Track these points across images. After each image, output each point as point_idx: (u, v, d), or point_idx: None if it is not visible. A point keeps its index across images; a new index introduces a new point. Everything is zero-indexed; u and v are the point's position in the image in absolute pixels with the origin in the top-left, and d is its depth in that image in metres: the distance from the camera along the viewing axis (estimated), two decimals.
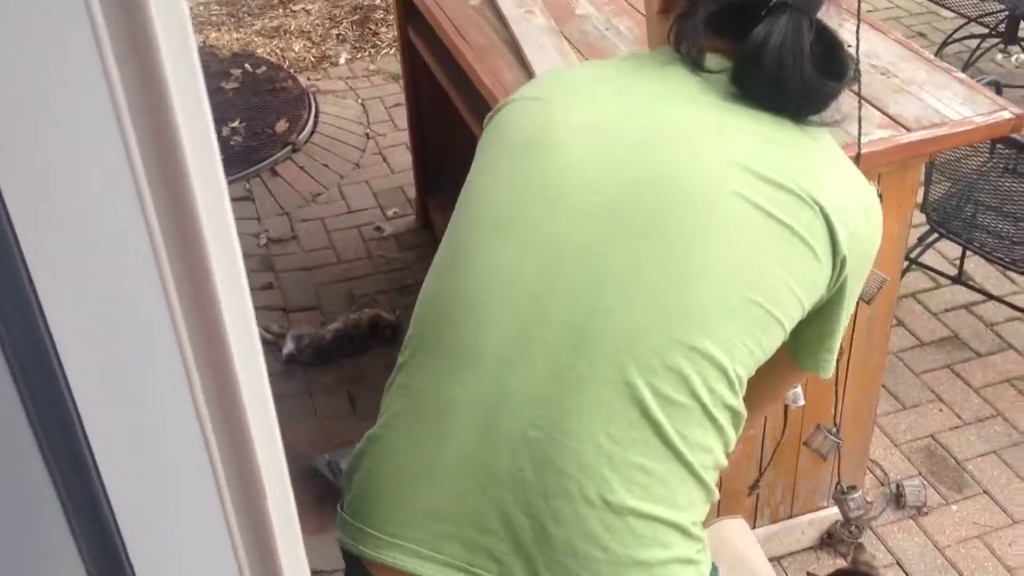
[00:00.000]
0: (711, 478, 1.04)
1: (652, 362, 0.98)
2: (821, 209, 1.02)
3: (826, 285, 1.06)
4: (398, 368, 1.11)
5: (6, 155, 0.44)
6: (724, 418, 1.03)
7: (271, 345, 2.87)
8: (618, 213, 1.01)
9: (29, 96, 0.44)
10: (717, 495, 1.07)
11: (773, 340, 1.04)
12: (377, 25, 4.68)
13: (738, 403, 1.04)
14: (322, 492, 2.36)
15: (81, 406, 0.50)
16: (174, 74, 0.45)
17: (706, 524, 1.09)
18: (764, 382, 1.09)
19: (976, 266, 3.08)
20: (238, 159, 3.65)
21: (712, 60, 1.06)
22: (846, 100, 1.13)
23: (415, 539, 1.03)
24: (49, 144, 0.45)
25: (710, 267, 0.99)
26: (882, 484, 2.46)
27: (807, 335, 1.15)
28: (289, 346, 2.79)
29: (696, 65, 1.05)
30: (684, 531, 1.03)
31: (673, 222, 1.00)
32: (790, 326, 1.05)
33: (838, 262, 1.05)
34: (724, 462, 1.06)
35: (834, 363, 1.20)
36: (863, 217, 1.07)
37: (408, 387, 1.08)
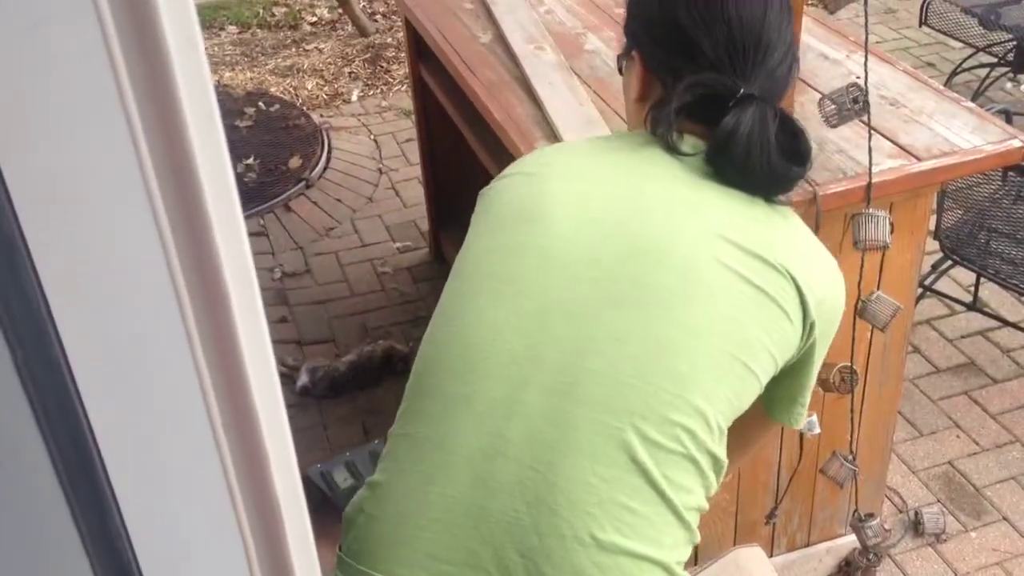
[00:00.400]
0: (693, 520, 1.11)
1: (640, 409, 1.06)
2: (793, 279, 1.12)
3: (797, 346, 1.16)
4: (398, 417, 1.18)
5: (33, 203, 0.45)
6: (706, 463, 1.10)
7: (285, 378, 2.88)
8: (607, 279, 1.09)
9: (50, 135, 0.45)
10: (699, 537, 1.13)
11: (750, 393, 1.13)
12: (388, 63, 4.74)
13: (719, 451, 1.12)
14: (316, 503, 2.39)
15: (100, 438, 0.51)
16: (191, 109, 0.46)
17: (723, 552, 1.12)
18: (740, 433, 1.18)
19: (991, 292, 3.07)
20: (252, 195, 3.69)
21: (688, 141, 1.16)
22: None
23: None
24: (71, 178, 0.46)
25: (695, 325, 1.08)
26: (900, 511, 2.45)
27: (780, 393, 1.27)
28: (303, 379, 2.81)
29: (672, 148, 1.15)
30: (669, 570, 1.09)
31: (660, 286, 1.09)
32: (765, 380, 1.14)
33: (807, 326, 1.15)
34: (706, 505, 1.13)
35: (804, 415, 1.31)
36: (829, 287, 1.18)
37: (408, 435, 1.14)
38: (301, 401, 2.80)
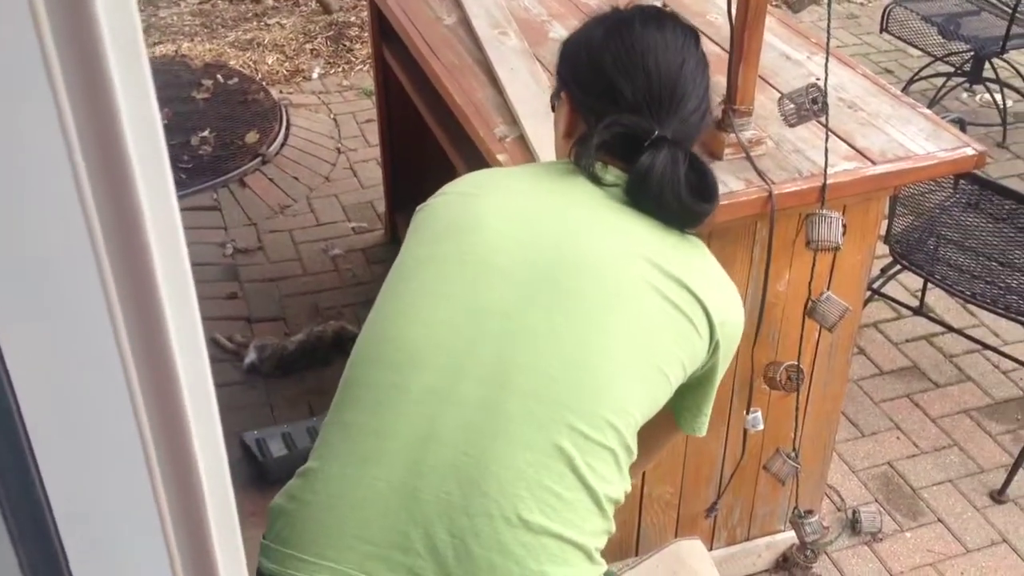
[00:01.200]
0: (611, 510, 1.21)
1: (568, 401, 1.16)
2: (702, 302, 1.25)
3: (703, 360, 1.29)
4: (332, 407, 1.23)
5: None
6: (624, 458, 1.20)
7: (233, 355, 2.85)
8: (539, 284, 1.20)
9: None
10: (614, 529, 1.23)
11: (662, 396, 1.26)
12: (351, 42, 4.69)
13: (635, 447, 1.23)
14: (252, 473, 2.47)
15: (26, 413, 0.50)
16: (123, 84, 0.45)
17: (664, 544, 1.14)
18: (649, 437, 1.29)
19: (937, 298, 3.13)
20: (206, 168, 3.64)
21: (611, 172, 1.29)
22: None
23: (342, 560, 1.13)
24: None
25: (617, 330, 1.20)
26: (839, 509, 2.48)
27: (687, 403, 1.40)
28: (251, 356, 2.78)
29: (595, 178, 1.28)
30: (589, 555, 1.18)
31: (588, 294, 1.20)
32: (675, 386, 1.27)
33: (713, 344, 1.28)
34: (622, 499, 1.22)
35: (707, 425, 1.45)
36: (731, 312, 1.31)
37: (342, 422, 1.20)
38: (248, 379, 2.77)
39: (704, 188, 1.27)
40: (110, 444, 0.52)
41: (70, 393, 0.51)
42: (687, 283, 1.24)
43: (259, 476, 2.46)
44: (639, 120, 1.26)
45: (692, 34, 1.36)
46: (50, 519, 0.52)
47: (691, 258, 1.29)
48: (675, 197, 1.24)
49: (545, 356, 1.17)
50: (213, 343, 2.88)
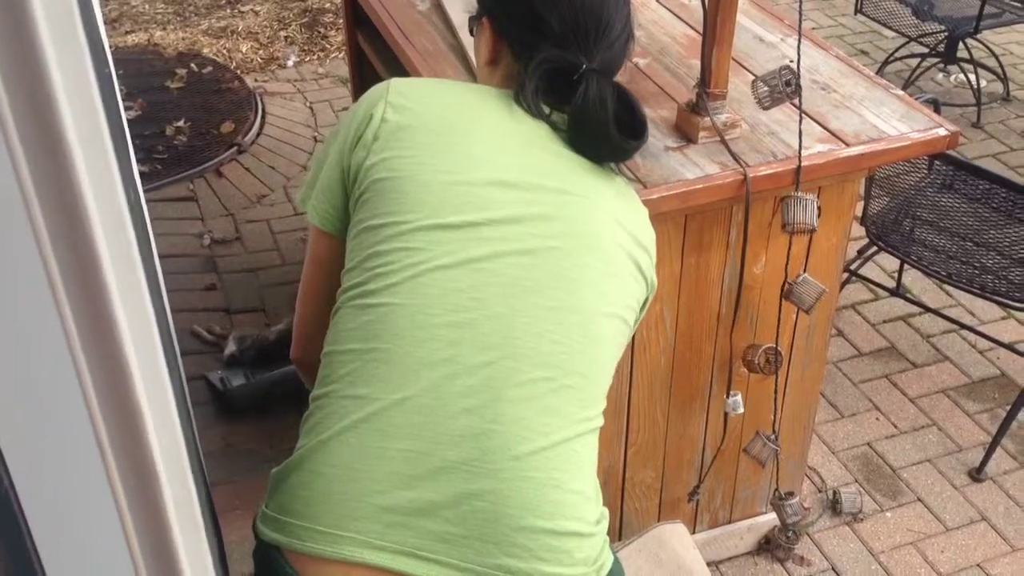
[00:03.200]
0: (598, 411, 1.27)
1: (567, 367, 1.19)
2: (647, 250, 1.32)
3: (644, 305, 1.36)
4: (338, 380, 1.18)
5: None
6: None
7: (212, 346, 2.84)
8: (545, 255, 1.21)
9: None
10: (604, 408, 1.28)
11: (626, 340, 1.33)
12: (326, 28, 4.66)
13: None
14: (219, 408, 2.61)
15: None
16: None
17: (646, 528, 1.14)
18: None
19: (914, 279, 3.15)
20: (182, 159, 3.61)
21: (556, 116, 1.30)
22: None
23: (364, 530, 1.12)
24: None
25: (607, 296, 1.25)
26: (819, 491, 2.50)
27: None
28: (231, 347, 2.76)
29: (553, 126, 1.28)
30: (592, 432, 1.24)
31: (586, 265, 1.23)
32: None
33: (651, 287, 1.35)
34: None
35: None
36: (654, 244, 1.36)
37: (357, 396, 1.16)
38: (229, 370, 2.75)
39: (634, 124, 1.29)
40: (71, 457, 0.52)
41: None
42: (642, 238, 1.31)
43: (226, 409, 2.62)
44: (566, 55, 1.27)
45: None
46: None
47: (633, 203, 1.34)
48: (606, 137, 1.26)
49: (548, 327, 1.19)
50: (192, 335, 2.86)
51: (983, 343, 2.94)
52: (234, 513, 1.92)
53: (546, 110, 1.29)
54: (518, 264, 1.19)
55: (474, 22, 1.40)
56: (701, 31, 1.76)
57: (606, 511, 1.26)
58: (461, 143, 1.23)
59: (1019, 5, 3.96)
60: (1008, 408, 2.60)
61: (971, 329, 2.93)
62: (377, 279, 1.18)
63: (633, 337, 1.85)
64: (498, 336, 1.16)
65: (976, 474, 2.55)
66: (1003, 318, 3.06)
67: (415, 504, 1.13)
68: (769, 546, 2.32)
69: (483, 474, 1.13)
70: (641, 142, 1.30)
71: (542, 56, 1.27)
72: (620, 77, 1.35)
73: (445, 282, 1.17)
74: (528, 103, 1.27)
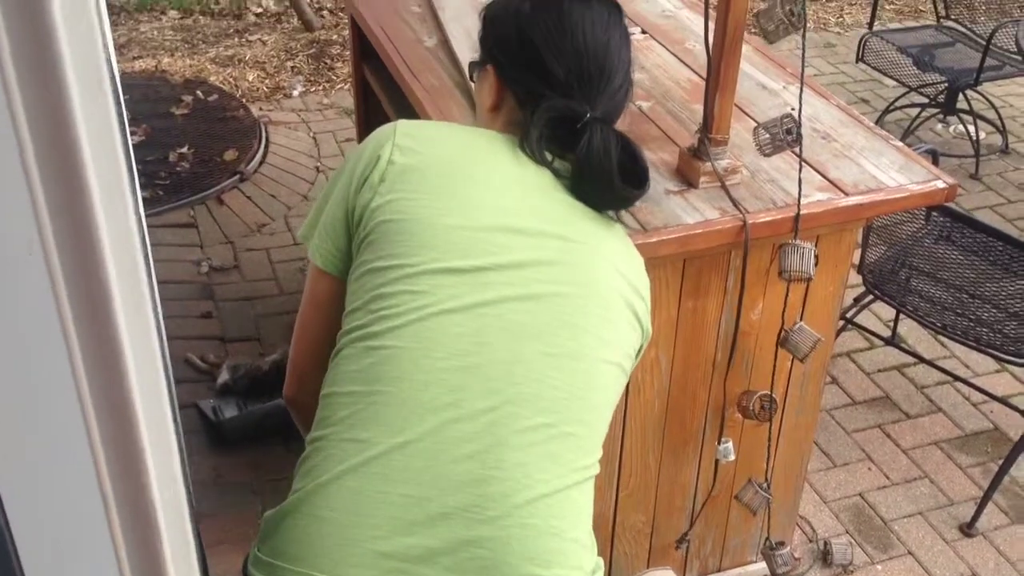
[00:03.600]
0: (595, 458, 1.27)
1: (566, 415, 1.19)
2: (643, 298, 1.32)
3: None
4: (338, 421, 1.17)
5: None
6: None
7: (205, 375, 2.83)
8: (548, 302, 1.21)
9: None
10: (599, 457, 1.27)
11: (623, 388, 1.33)
12: (333, 60, 4.69)
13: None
14: (210, 438, 2.61)
15: None
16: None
17: (636, 574, 1.13)
18: None
19: (909, 329, 3.15)
20: (184, 185, 3.62)
21: (558, 164, 1.30)
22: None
23: None
24: None
25: (608, 343, 1.25)
26: (810, 541, 2.48)
27: None
28: (224, 376, 2.75)
29: (555, 173, 1.29)
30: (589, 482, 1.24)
31: (588, 312, 1.23)
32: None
33: (646, 334, 1.34)
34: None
35: None
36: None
37: (358, 439, 1.15)
38: (221, 399, 2.74)
39: (637, 173, 1.30)
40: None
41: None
42: (640, 286, 1.32)
43: (217, 440, 2.60)
44: (571, 103, 1.29)
45: (616, 9, 1.38)
46: None
47: (635, 258, 1.34)
48: (610, 185, 1.27)
49: (550, 373, 1.19)
50: (186, 363, 2.85)
51: (977, 396, 2.94)
52: (220, 547, 1.90)
53: (549, 157, 1.29)
54: (522, 309, 1.19)
55: (476, 68, 1.41)
56: (705, 77, 1.77)
57: (601, 561, 1.25)
58: (467, 187, 1.23)
59: (1019, 58, 3.99)
60: (1000, 463, 2.59)
61: (965, 381, 2.93)
62: (381, 321, 1.17)
63: (627, 380, 1.85)
64: (501, 381, 1.16)
65: (967, 529, 2.53)
66: (997, 371, 3.06)
67: (414, 551, 1.11)
68: None
69: (483, 521, 1.12)
70: (643, 191, 1.32)
71: (547, 104, 1.28)
72: (619, 122, 1.36)
73: (450, 326, 1.16)
74: (532, 150, 1.28)
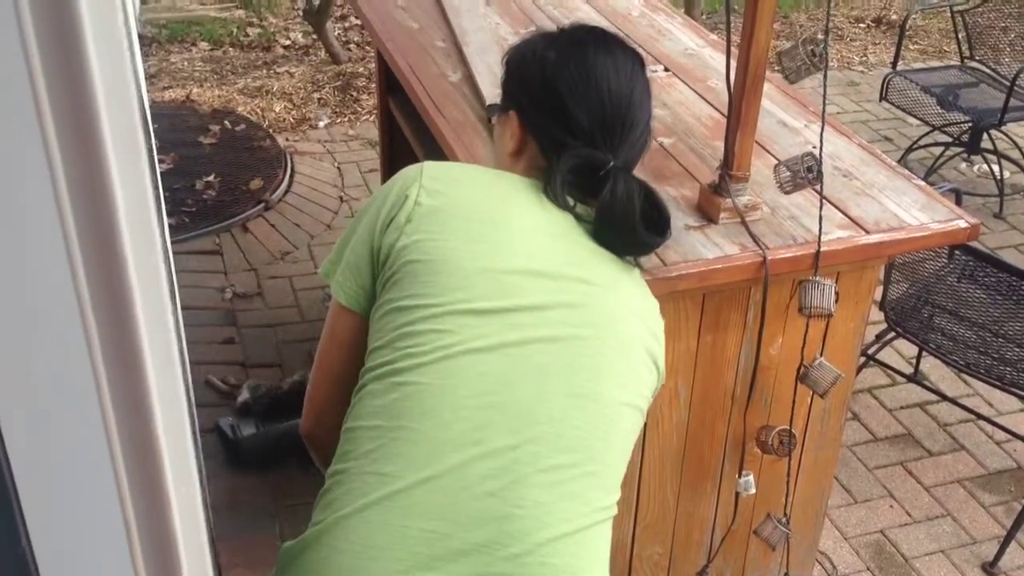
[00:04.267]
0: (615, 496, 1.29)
1: (586, 460, 1.21)
2: (659, 341, 1.35)
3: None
4: (361, 455, 1.18)
5: None
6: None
7: (226, 396, 2.86)
8: (570, 344, 1.23)
9: None
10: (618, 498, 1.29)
11: (640, 429, 1.35)
12: (359, 92, 4.75)
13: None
14: (227, 455, 2.66)
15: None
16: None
17: None
18: None
19: (932, 366, 3.13)
20: (210, 213, 3.67)
21: (580, 209, 1.33)
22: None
23: None
24: None
25: (626, 386, 1.27)
26: None
27: None
28: (244, 395, 2.78)
29: (577, 218, 1.31)
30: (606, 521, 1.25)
31: (607, 355, 1.26)
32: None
33: (660, 376, 1.36)
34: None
35: None
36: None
37: (381, 473, 1.16)
38: (240, 418, 2.77)
39: (659, 221, 1.33)
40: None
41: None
42: (658, 331, 1.34)
43: (234, 456, 2.65)
44: (595, 152, 1.31)
45: (638, 59, 1.40)
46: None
47: (652, 302, 1.37)
48: (632, 233, 1.30)
49: (571, 414, 1.20)
50: (207, 385, 2.88)
51: (1000, 434, 2.91)
52: (236, 570, 1.91)
53: (571, 202, 1.32)
54: (545, 351, 1.20)
55: (497, 111, 1.43)
56: (726, 114, 1.79)
57: None
58: (492, 231, 1.25)
59: None
60: None
61: (988, 420, 2.91)
62: (407, 358, 1.18)
63: (646, 412, 1.86)
64: (524, 420, 1.17)
65: (990, 568, 2.51)
66: (1021, 410, 3.03)
67: None
68: None
69: (505, 558, 1.13)
70: (665, 239, 1.35)
71: (571, 152, 1.31)
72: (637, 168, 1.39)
73: (475, 365, 1.18)
74: (556, 196, 1.30)
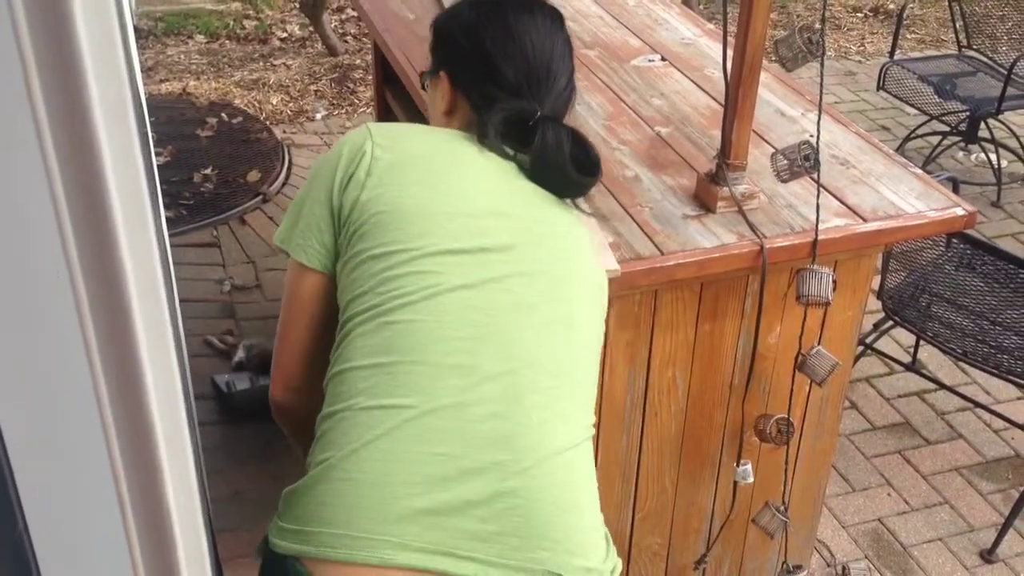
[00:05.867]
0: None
1: (567, 387, 1.29)
2: (600, 266, 1.44)
3: None
4: (360, 393, 1.21)
5: None
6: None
7: (223, 354, 2.96)
8: (541, 277, 1.32)
9: None
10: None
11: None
12: (355, 84, 4.75)
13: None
14: (221, 409, 2.78)
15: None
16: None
17: None
18: None
19: (929, 355, 3.14)
20: (207, 206, 3.66)
21: (520, 157, 1.40)
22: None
23: (405, 533, 1.15)
24: None
25: (589, 309, 1.37)
26: (828, 565, 2.47)
27: None
28: (240, 354, 2.90)
29: (520, 165, 1.39)
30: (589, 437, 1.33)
31: (571, 283, 1.35)
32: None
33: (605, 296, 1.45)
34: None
35: None
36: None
37: (387, 406, 1.20)
38: (235, 375, 2.85)
39: (588, 162, 1.41)
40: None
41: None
42: (599, 262, 1.44)
43: (227, 410, 2.76)
44: (522, 103, 1.40)
45: (558, 16, 1.49)
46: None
47: (589, 234, 1.44)
48: (565, 175, 1.39)
49: (552, 340, 1.29)
50: (206, 343, 3.00)
51: (998, 422, 2.92)
52: (236, 561, 1.92)
53: (510, 152, 1.40)
54: (521, 284, 1.29)
55: (429, 76, 1.52)
56: (723, 103, 1.79)
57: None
58: (449, 177, 1.33)
59: None
60: (1022, 489, 2.58)
61: (986, 408, 2.91)
62: (394, 300, 1.24)
63: (644, 402, 1.86)
64: (513, 347, 1.25)
65: (988, 555, 2.51)
66: (1019, 398, 3.04)
67: (450, 504, 1.16)
68: None
69: (515, 472, 1.19)
70: (596, 178, 1.43)
71: (500, 105, 1.39)
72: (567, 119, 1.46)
73: (461, 300, 1.24)
74: (493, 146, 1.39)
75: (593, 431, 1.33)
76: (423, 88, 1.56)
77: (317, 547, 1.16)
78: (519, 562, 1.18)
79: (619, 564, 1.30)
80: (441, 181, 1.32)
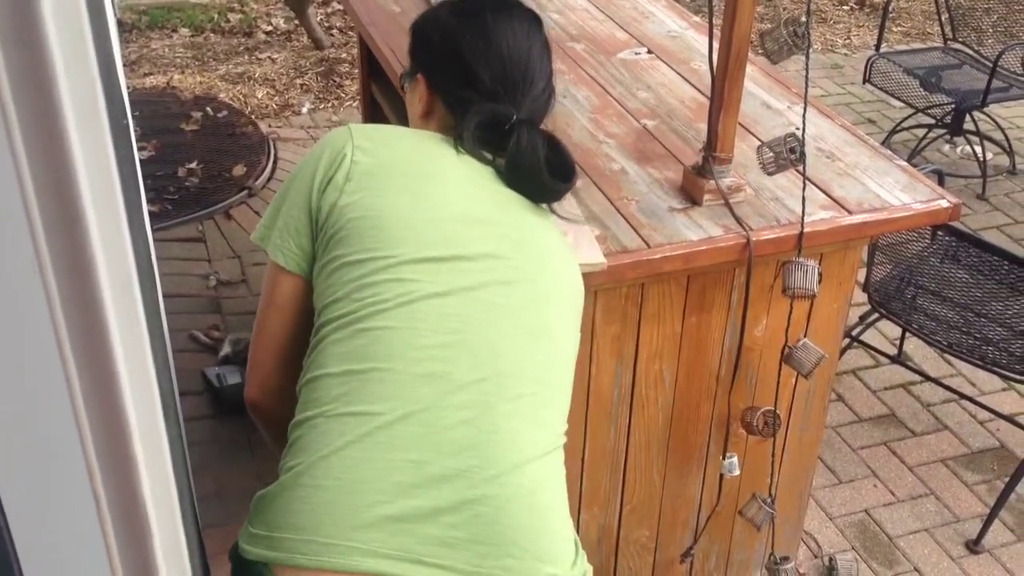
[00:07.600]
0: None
1: (545, 379, 1.29)
2: (578, 270, 1.43)
3: None
4: (333, 400, 1.21)
5: None
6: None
7: (210, 349, 2.95)
8: (518, 285, 1.31)
9: None
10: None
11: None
12: (341, 78, 4.73)
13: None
14: (211, 402, 2.78)
15: None
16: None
17: None
18: None
19: (915, 347, 3.15)
20: (192, 200, 3.64)
21: (498, 161, 1.40)
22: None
23: (373, 540, 1.15)
24: None
25: (564, 316, 1.37)
26: (815, 556, 2.48)
27: None
28: (226, 349, 2.89)
29: (496, 169, 1.39)
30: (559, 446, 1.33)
31: (547, 291, 1.34)
32: None
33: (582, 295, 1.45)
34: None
35: None
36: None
37: (358, 413, 1.19)
38: (225, 368, 2.84)
39: (564, 168, 1.41)
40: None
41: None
42: (577, 266, 1.43)
43: (218, 404, 2.75)
44: (498, 107, 1.39)
45: (536, 20, 1.48)
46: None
47: (564, 240, 1.45)
48: (540, 180, 1.38)
49: (527, 348, 1.28)
50: (191, 339, 2.98)
51: (983, 414, 2.94)
52: (223, 556, 1.91)
53: (487, 156, 1.39)
54: (497, 292, 1.28)
55: (407, 79, 1.52)
56: (709, 96, 1.79)
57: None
58: (428, 183, 1.32)
59: None
60: (1007, 480, 2.59)
61: (971, 400, 2.93)
62: (368, 307, 1.23)
63: (631, 395, 1.86)
64: (487, 355, 1.24)
65: (973, 546, 2.53)
66: (1004, 389, 3.06)
67: (419, 511, 1.16)
68: None
69: (484, 480, 1.19)
70: (571, 184, 1.42)
71: (476, 108, 1.39)
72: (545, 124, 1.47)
73: (436, 307, 1.24)
74: (470, 150, 1.38)
75: (565, 439, 1.32)
76: (402, 90, 1.56)
77: (286, 553, 1.16)
78: (488, 569, 1.17)
79: (589, 570, 1.30)
80: (420, 187, 1.31)
